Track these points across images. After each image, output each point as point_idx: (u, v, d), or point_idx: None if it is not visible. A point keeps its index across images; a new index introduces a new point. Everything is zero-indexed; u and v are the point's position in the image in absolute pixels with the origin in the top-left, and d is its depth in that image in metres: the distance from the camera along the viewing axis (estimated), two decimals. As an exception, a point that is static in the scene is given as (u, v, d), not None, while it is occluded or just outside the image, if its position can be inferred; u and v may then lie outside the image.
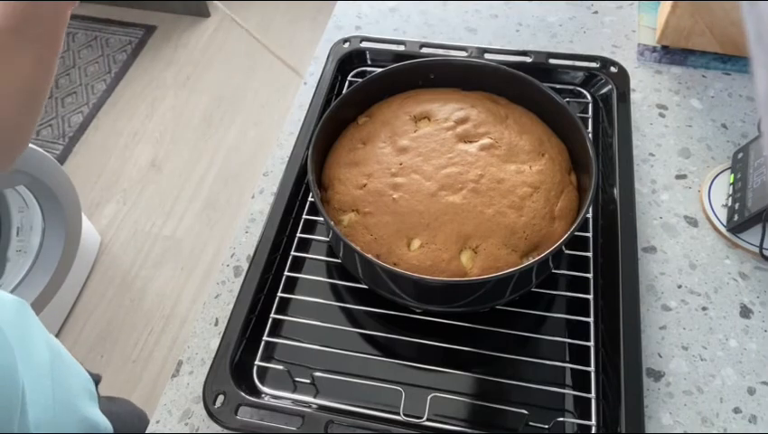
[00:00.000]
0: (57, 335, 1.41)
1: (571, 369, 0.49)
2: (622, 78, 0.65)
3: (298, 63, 2.00)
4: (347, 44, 0.70)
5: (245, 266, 0.58)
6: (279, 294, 0.54)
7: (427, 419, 0.46)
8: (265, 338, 0.51)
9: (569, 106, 0.55)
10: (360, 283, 0.52)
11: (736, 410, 0.48)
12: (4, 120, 0.43)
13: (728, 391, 0.49)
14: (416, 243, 0.49)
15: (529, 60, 0.66)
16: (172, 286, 1.52)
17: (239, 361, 0.49)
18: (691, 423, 0.47)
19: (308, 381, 0.49)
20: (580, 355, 0.49)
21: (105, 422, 0.60)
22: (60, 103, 1.89)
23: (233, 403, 0.46)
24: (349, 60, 0.70)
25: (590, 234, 0.55)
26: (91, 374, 0.66)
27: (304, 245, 0.58)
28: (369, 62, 0.70)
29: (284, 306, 0.54)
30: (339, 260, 0.55)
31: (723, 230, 0.57)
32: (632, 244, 0.53)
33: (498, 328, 0.51)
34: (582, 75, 0.66)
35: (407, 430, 0.45)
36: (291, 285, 0.55)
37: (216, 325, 0.55)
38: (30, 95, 0.44)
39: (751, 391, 0.49)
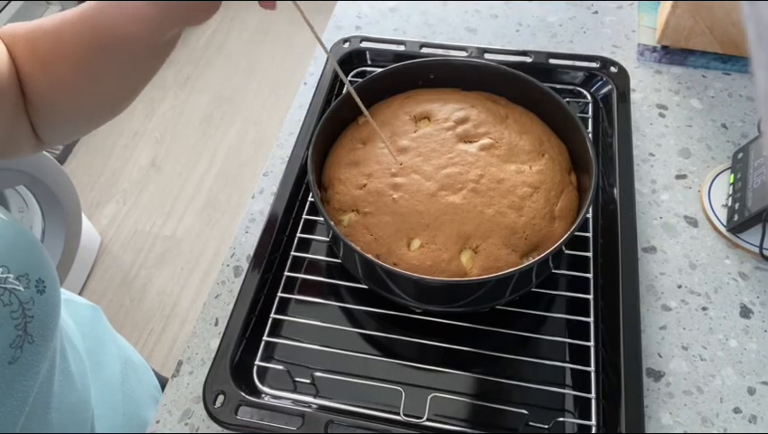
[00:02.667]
0: (57, 335, 1.40)
1: (571, 369, 0.49)
2: (622, 78, 0.65)
3: (298, 63, 2.00)
4: (347, 44, 0.70)
5: (245, 266, 0.58)
6: (279, 294, 0.54)
7: (427, 419, 0.46)
8: (265, 338, 0.51)
9: (569, 106, 0.55)
10: (360, 283, 0.52)
11: (736, 410, 0.48)
12: (99, 104, 0.44)
13: (728, 391, 0.49)
14: (416, 243, 0.49)
15: (529, 60, 0.66)
16: (172, 286, 1.52)
17: (239, 361, 0.49)
18: (691, 423, 0.47)
19: (308, 381, 0.49)
20: (580, 355, 0.49)
21: None
22: (60, 103, 1.89)
23: (233, 403, 0.46)
24: (349, 60, 0.70)
25: (590, 234, 0.55)
26: (159, 377, 0.67)
27: (304, 245, 0.58)
28: (369, 62, 0.70)
29: (284, 306, 0.54)
30: (339, 260, 0.55)
31: (723, 230, 0.57)
32: (632, 244, 0.53)
33: (498, 328, 0.51)
34: (582, 75, 0.66)
35: (407, 430, 0.45)
36: (291, 285, 0.55)
37: (216, 325, 0.55)
38: (138, 88, 0.44)
39: (751, 391, 0.49)
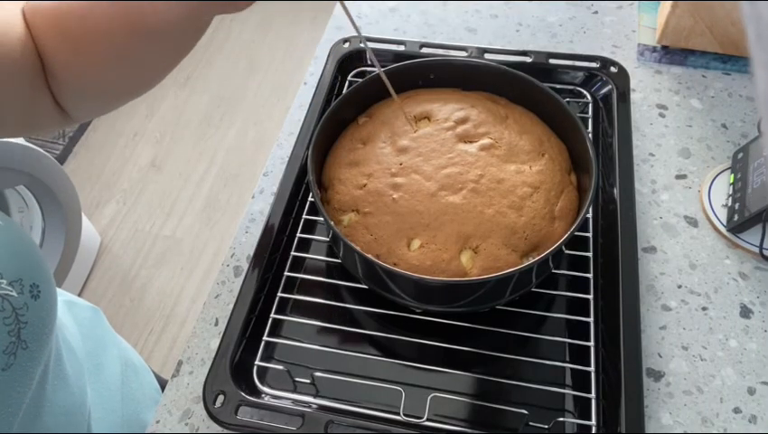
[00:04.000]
0: (57, 335, 1.40)
1: (571, 369, 0.49)
2: (622, 78, 0.65)
3: (298, 63, 2.00)
4: (347, 44, 0.70)
5: (245, 266, 0.58)
6: (279, 294, 0.54)
7: (427, 419, 0.46)
8: (265, 338, 0.51)
9: (569, 106, 0.55)
10: (360, 283, 0.52)
11: (736, 410, 0.48)
12: (129, 79, 0.43)
13: (728, 391, 0.49)
14: (416, 243, 0.49)
15: (529, 60, 0.66)
16: (172, 286, 1.52)
17: (239, 361, 0.49)
18: (691, 423, 0.47)
19: (308, 381, 0.49)
20: (580, 355, 0.49)
21: None
22: (60, 103, 1.89)
23: (233, 403, 0.46)
24: (349, 60, 0.70)
25: (590, 234, 0.55)
26: (159, 379, 0.66)
27: (304, 245, 0.58)
28: (369, 62, 0.70)
29: (284, 306, 0.54)
30: (339, 260, 0.55)
31: (723, 230, 0.57)
32: (632, 244, 0.53)
33: (498, 328, 0.51)
34: (582, 75, 0.66)
35: (407, 430, 0.45)
36: (291, 285, 0.55)
37: (216, 325, 0.55)
38: (155, 75, 0.43)
39: (751, 391, 0.49)
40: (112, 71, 0.41)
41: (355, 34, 0.72)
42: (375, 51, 0.70)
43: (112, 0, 0.37)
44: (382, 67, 0.60)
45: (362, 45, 0.69)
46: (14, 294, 0.37)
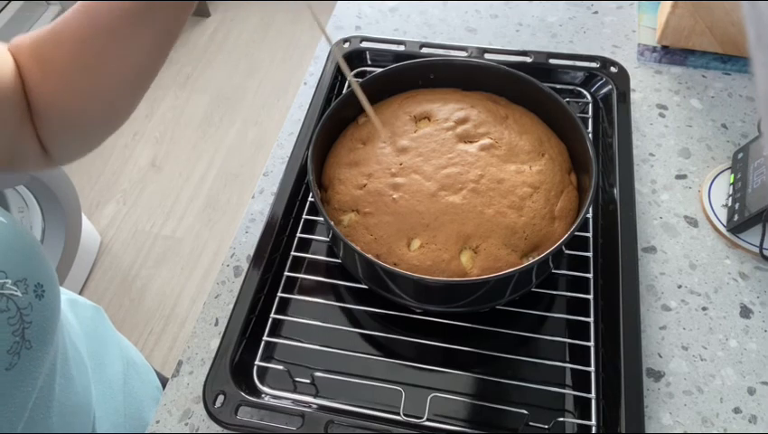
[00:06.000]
0: (57, 335, 1.40)
1: (571, 369, 0.49)
2: (622, 78, 0.65)
3: (298, 63, 2.00)
4: (347, 44, 0.70)
5: (245, 266, 0.58)
6: (279, 294, 0.54)
7: (427, 419, 0.46)
8: (265, 338, 0.51)
9: (569, 106, 0.55)
10: (360, 283, 0.52)
11: (736, 411, 0.48)
12: (103, 103, 0.43)
13: (728, 391, 0.49)
14: (416, 243, 0.49)
15: (529, 60, 0.66)
16: (172, 286, 1.52)
17: (239, 361, 0.49)
18: (691, 423, 0.47)
19: (308, 381, 0.49)
20: (580, 355, 0.49)
21: None
22: (60, 103, 1.89)
23: (233, 403, 0.46)
24: (349, 60, 0.70)
25: (590, 234, 0.55)
26: (160, 377, 0.66)
27: (304, 245, 0.58)
28: (369, 62, 0.70)
29: (284, 306, 0.54)
30: (339, 260, 0.55)
31: (723, 230, 0.57)
32: (632, 244, 0.53)
33: (498, 328, 0.51)
34: (582, 75, 0.66)
35: (407, 430, 0.45)
36: (291, 285, 0.55)
37: (216, 325, 0.55)
38: (136, 83, 0.43)
39: (751, 391, 0.49)
40: (84, 87, 0.41)
41: (355, 34, 0.72)
42: (375, 51, 0.70)
43: (74, 10, 0.38)
44: (382, 67, 0.61)
45: (334, 54, 0.69)
46: (19, 294, 0.37)
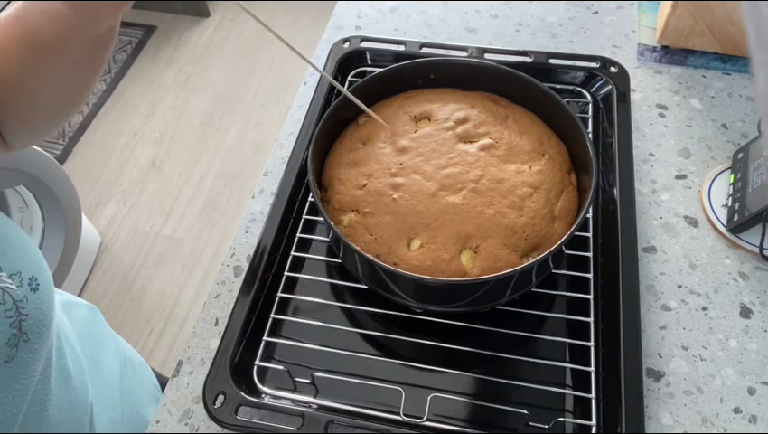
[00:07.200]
0: (57, 335, 1.40)
1: (571, 369, 0.49)
2: (622, 78, 0.65)
3: (298, 63, 2.00)
4: (347, 44, 0.70)
5: (245, 266, 0.58)
6: (279, 294, 0.54)
7: (427, 419, 0.46)
8: (265, 338, 0.51)
9: (569, 106, 0.55)
10: (360, 283, 0.52)
11: (736, 410, 0.48)
12: (41, 111, 0.43)
13: (728, 391, 0.49)
14: (416, 243, 0.49)
15: (529, 60, 0.66)
16: (172, 286, 1.52)
17: (239, 361, 0.49)
18: (691, 423, 0.47)
19: (308, 381, 0.49)
20: (580, 355, 0.49)
21: None
22: (60, 103, 1.89)
23: (233, 403, 0.46)
24: (349, 60, 0.70)
25: (590, 234, 0.55)
26: (159, 377, 0.66)
27: (304, 245, 0.58)
28: (369, 62, 0.70)
29: (284, 306, 0.54)
30: (339, 260, 0.55)
31: (723, 230, 0.57)
32: (632, 244, 0.52)
33: (498, 328, 0.51)
34: (582, 75, 0.66)
35: (407, 430, 0.45)
36: (291, 285, 0.55)
37: (216, 325, 0.55)
38: (74, 93, 0.43)
39: (751, 391, 0.49)
40: (30, 89, 0.41)
41: (355, 34, 0.72)
42: (375, 51, 0.70)
43: (12, 17, 0.38)
44: (382, 67, 0.61)
45: (310, 69, 0.69)
46: (14, 287, 0.37)
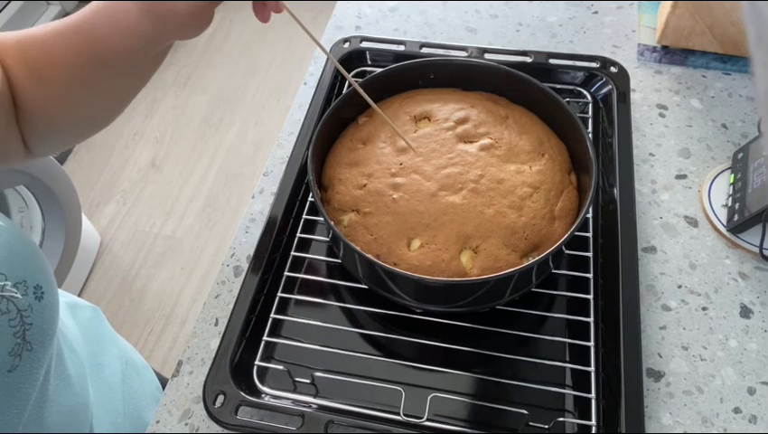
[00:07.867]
0: (57, 335, 1.40)
1: (571, 369, 0.49)
2: (622, 78, 0.65)
3: (298, 63, 2.00)
4: (347, 44, 0.70)
5: (245, 266, 0.58)
6: (279, 294, 0.54)
7: (427, 419, 0.46)
8: (265, 338, 0.51)
9: (569, 106, 0.55)
10: (360, 283, 0.52)
11: (736, 411, 0.48)
12: (90, 114, 0.43)
13: (728, 391, 0.49)
14: (416, 243, 0.49)
15: (529, 60, 0.66)
16: (172, 286, 1.52)
17: (239, 361, 0.49)
18: (691, 423, 0.47)
19: (308, 381, 0.49)
20: (580, 355, 0.49)
21: None
22: (60, 103, 1.89)
23: (233, 403, 0.46)
24: (349, 60, 0.70)
25: (590, 234, 0.55)
26: (160, 377, 0.66)
27: (304, 245, 0.58)
28: (369, 62, 0.70)
29: (284, 306, 0.54)
30: (339, 260, 0.55)
31: (723, 230, 0.57)
32: (632, 244, 0.52)
33: (498, 328, 0.51)
34: (582, 75, 0.66)
35: (407, 430, 0.45)
36: (291, 285, 0.55)
37: (216, 325, 0.55)
38: (124, 99, 0.44)
39: (751, 391, 0.49)
40: (75, 102, 0.41)
41: (355, 34, 0.72)
42: (375, 51, 0.70)
43: (72, 29, 0.38)
44: (382, 67, 0.61)
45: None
46: (19, 296, 0.37)
